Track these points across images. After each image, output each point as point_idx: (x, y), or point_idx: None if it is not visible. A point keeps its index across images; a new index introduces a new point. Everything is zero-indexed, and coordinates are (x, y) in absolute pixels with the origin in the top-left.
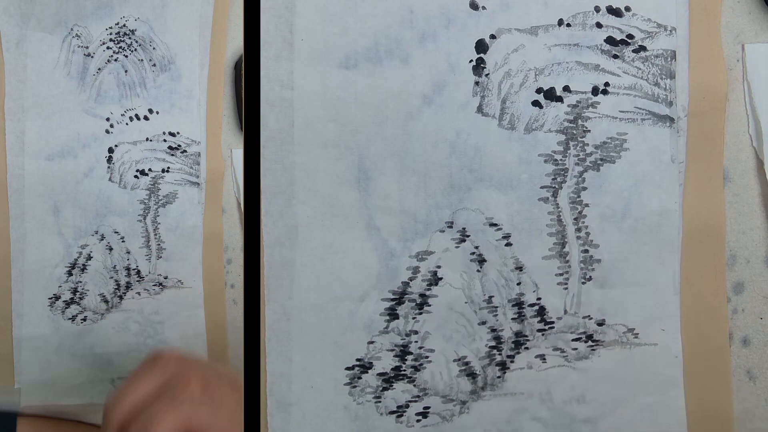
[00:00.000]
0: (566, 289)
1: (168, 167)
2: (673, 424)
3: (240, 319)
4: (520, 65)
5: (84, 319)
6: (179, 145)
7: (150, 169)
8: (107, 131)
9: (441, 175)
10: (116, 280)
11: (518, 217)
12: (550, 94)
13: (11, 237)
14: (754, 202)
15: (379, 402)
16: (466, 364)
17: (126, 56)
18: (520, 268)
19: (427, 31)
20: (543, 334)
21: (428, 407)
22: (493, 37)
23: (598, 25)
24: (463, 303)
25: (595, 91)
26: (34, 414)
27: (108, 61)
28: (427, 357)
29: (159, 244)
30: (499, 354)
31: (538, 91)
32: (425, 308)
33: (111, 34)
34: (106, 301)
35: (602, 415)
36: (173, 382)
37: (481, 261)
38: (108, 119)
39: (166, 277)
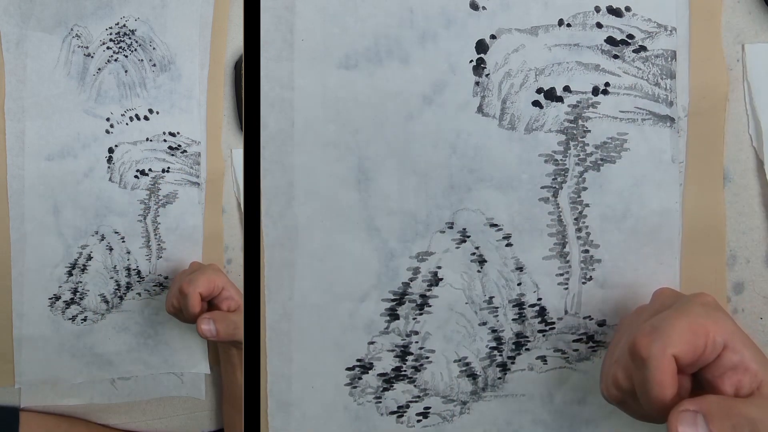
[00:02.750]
0: (567, 289)
1: (168, 167)
2: None
3: (240, 319)
4: (521, 65)
5: (84, 320)
6: (179, 145)
7: (150, 169)
8: (107, 131)
9: (441, 175)
10: (116, 281)
11: (519, 217)
12: (551, 94)
13: (11, 237)
14: (754, 202)
15: (380, 402)
16: (467, 364)
17: (126, 56)
18: (520, 269)
19: (427, 31)
20: (544, 335)
21: (429, 408)
22: (493, 37)
23: (599, 25)
24: (463, 303)
25: (595, 91)
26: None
27: (108, 61)
28: (427, 357)
29: (159, 244)
30: (500, 355)
31: (539, 91)
32: (426, 309)
33: (111, 34)
34: (107, 302)
35: (603, 416)
36: (201, 266)
37: (482, 261)
38: (108, 119)
39: (166, 277)
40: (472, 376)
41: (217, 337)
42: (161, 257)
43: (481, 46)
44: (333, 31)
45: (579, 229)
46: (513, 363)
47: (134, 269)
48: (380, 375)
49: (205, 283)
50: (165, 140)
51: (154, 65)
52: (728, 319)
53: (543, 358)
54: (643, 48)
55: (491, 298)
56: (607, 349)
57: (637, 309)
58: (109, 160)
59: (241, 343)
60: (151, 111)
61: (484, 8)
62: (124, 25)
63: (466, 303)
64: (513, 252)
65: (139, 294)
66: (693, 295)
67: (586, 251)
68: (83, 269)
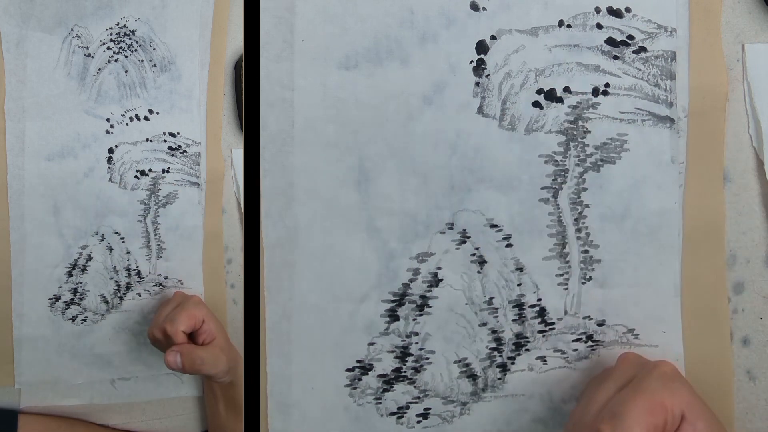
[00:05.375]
0: (566, 289)
1: (168, 167)
2: None
3: (240, 319)
4: (521, 66)
5: (84, 320)
6: (179, 146)
7: (150, 170)
8: (107, 131)
9: (441, 176)
10: (116, 281)
11: (519, 218)
12: (551, 95)
13: (11, 237)
14: (754, 202)
15: (380, 403)
16: (467, 365)
17: (126, 56)
18: (520, 269)
19: (427, 31)
20: (544, 335)
21: (429, 408)
22: (493, 38)
23: (599, 26)
24: (463, 304)
25: (595, 91)
26: (35, 413)
27: (108, 61)
28: (427, 358)
29: (159, 245)
30: (500, 356)
31: (539, 91)
32: (426, 309)
33: (111, 34)
34: (107, 302)
35: None
36: (184, 297)
37: (482, 262)
38: (108, 119)
39: (166, 278)
40: (472, 376)
41: (182, 369)
42: (161, 257)
43: (482, 47)
44: (333, 32)
45: (579, 230)
46: (513, 363)
47: (134, 269)
48: (380, 376)
49: (186, 320)
50: (165, 140)
51: (155, 65)
52: (685, 388)
53: (543, 359)
54: (643, 49)
55: (491, 298)
56: (572, 412)
57: (602, 373)
58: (109, 160)
59: (214, 376)
60: (151, 111)
61: (484, 9)
62: (125, 26)
63: (466, 304)
64: (513, 252)
65: (139, 294)
66: (653, 365)
67: (586, 251)
68: (83, 269)
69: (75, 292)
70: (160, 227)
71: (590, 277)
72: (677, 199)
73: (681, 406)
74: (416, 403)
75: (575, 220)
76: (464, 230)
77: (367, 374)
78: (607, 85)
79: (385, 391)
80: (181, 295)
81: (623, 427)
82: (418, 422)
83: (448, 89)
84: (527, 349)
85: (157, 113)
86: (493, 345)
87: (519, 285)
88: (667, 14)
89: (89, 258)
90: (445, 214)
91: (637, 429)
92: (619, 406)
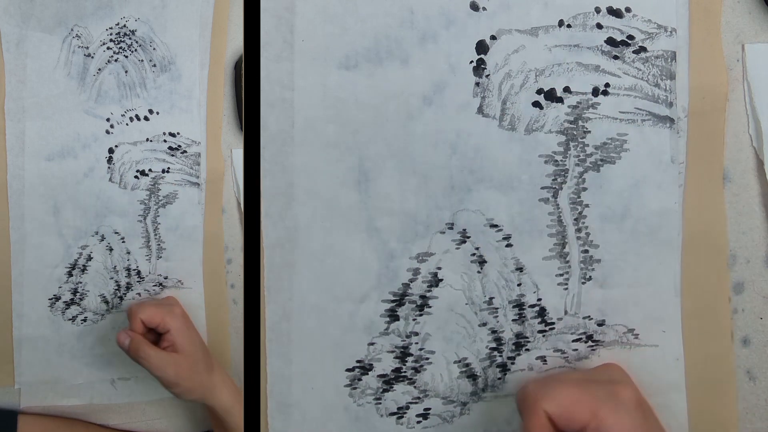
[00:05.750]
0: (566, 289)
1: (168, 168)
2: (675, 427)
3: (240, 319)
4: (521, 66)
5: (84, 320)
6: (179, 146)
7: (150, 170)
8: (107, 131)
9: (441, 176)
10: (116, 281)
11: (519, 217)
12: (551, 95)
13: (11, 237)
14: (754, 202)
15: (380, 403)
16: (467, 365)
17: (126, 57)
18: (520, 269)
19: (427, 31)
20: (543, 335)
21: (429, 408)
22: (493, 38)
23: (599, 26)
24: (463, 304)
25: (595, 91)
26: (34, 413)
27: (108, 61)
28: (427, 358)
29: (159, 245)
30: (500, 356)
31: (539, 91)
32: (426, 309)
33: (111, 34)
34: (107, 302)
35: None
36: (172, 302)
37: (482, 262)
38: (108, 119)
39: (166, 278)
40: (472, 376)
41: (128, 352)
42: (161, 257)
43: (482, 47)
44: (333, 32)
45: (579, 230)
46: (513, 363)
47: (134, 269)
48: (380, 376)
49: (149, 313)
50: (165, 140)
51: (155, 65)
52: (630, 419)
53: (543, 359)
54: (643, 49)
55: (491, 298)
56: None
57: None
58: (109, 160)
59: (159, 380)
60: (151, 111)
61: (484, 9)
62: (125, 26)
63: (466, 304)
64: (513, 252)
65: (139, 294)
66: (619, 384)
67: (586, 251)
68: (83, 270)
69: (75, 292)
70: (160, 227)
71: (590, 277)
72: (677, 199)
73: (612, 429)
74: (416, 403)
75: (575, 220)
76: (464, 230)
77: (367, 374)
78: (607, 85)
79: (385, 391)
80: (169, 299)
81: (545, 393)
82: (418, 422)
83: (448, 89)
84: (527, 349)
85: (157, 113)
86: (493, 345)
87: (519, 285)
88: (667, 14)
89: (89, 258)
90: (445, 214)
91: (553, 404)
92: (556, 380)
